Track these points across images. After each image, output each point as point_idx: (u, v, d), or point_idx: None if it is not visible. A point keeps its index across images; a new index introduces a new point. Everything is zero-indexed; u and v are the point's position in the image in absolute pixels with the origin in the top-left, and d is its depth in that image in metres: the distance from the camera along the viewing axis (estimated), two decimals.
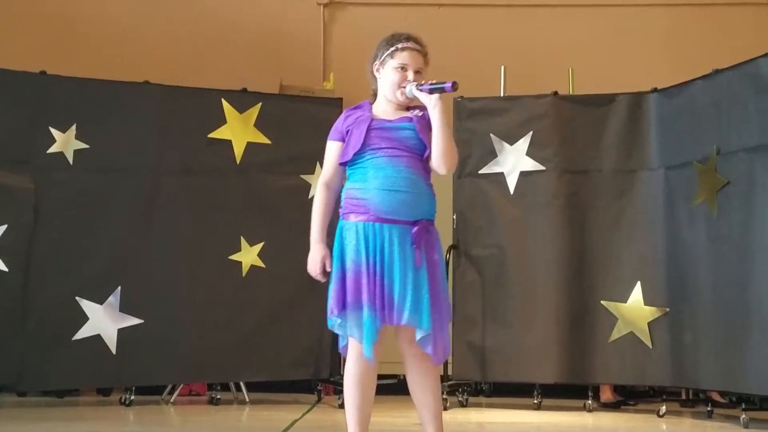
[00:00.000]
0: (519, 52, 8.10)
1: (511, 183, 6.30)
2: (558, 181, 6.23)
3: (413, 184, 4.04)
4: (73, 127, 6.00)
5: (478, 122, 6.41)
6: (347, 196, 4.13)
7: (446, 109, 4.22)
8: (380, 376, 4.23)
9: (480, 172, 6.37)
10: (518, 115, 6.35)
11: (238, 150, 6.35)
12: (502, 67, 6.94)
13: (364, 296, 3.99)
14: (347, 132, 4.19)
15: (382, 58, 4.21)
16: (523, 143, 6.28)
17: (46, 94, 5.99)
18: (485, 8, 8.58)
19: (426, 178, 4.11)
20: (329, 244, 4.17)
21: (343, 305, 4.06)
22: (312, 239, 4.18)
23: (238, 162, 6.36)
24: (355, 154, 4.13)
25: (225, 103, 6.36)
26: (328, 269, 4.12)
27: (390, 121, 4.16)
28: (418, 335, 3.97)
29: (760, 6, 8.43)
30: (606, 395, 6.55)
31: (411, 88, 4.10)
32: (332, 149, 4.26)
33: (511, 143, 6.29)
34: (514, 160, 6.30)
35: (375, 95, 4.27)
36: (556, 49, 8.25)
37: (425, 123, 4.08)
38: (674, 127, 5.96)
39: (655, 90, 6.15)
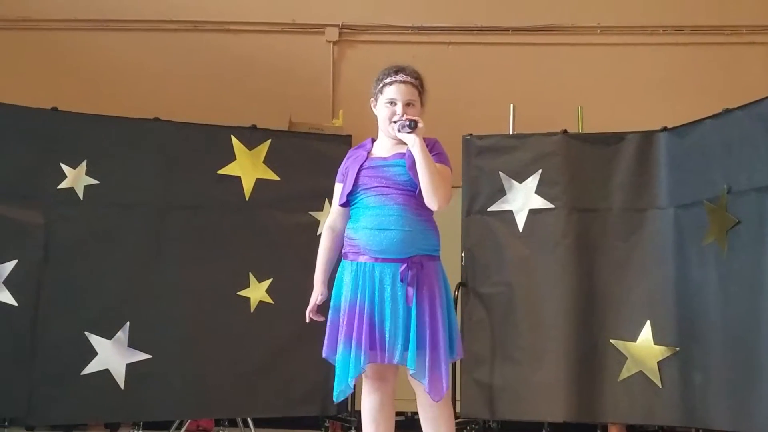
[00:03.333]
0: (528, 90, 8.13)
1: (520, 221, 6.28)
2: (567, 219, 6.21)
3: (403, 221, 4.05)
4: (84, 163, 6.02)
5: (486, 160, 6.41)
6: (345, 236, 4.20)
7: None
8: None
9: (489, 209, 6.36)
10: (527, 153, 6.34)
11: (248, 186, 6.36)
12: (511, 105, 6.96)
13: (343, 334, 4.02)
14: (347, 173, 4.22)
15: (375, 94, 4.25)
16: (532, 181, 6.27)
17: (57, 131, 6.00)
18: (495, 46, 8.62)
19: (421, 214, 4.11)
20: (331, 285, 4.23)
21: (332, 346, 4.11)
22: (314, 280, 4.26)
23: (247, 198, 6.36)
24: (349, 195, 4.16)
25: (234, 139, 6.38)
26: (319, 306, 4.19)
27: (384, 158, 4.19)
28: (410, 372, 3.99)
29: None
30: None
31: (393, 130, 4.13)
32: (336, 191, 4.32)
33: (520, 181, 6.29)
34: (523, 198, 6.28)
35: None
36: (566, 87, 8.28)
37: None
38: (684, 166, 5.94)
39: (665, 129, 6.14)
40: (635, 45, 8.59)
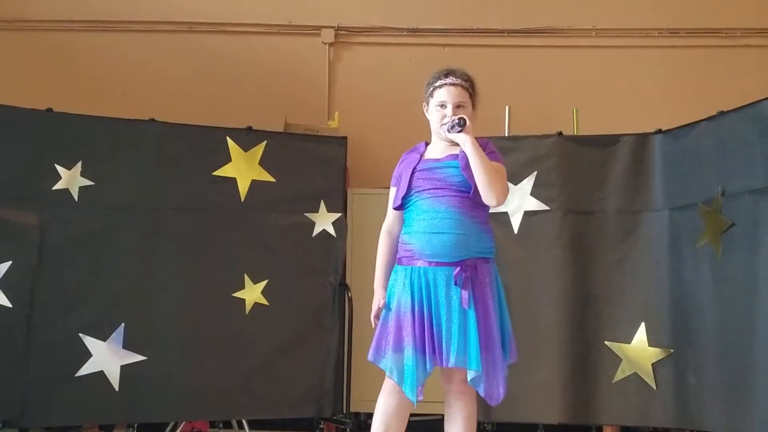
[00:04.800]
0: (524, 92, 8.13)
1: (515, 223, 6.28)
2: (562, 221, 6.22)
3: (456, 224, 4.05)
4: (79, 164, 6.02)
5: None
6: (400, 242, 4.18)
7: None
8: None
9: None
10: (522, 155, 6.34)
11: (243, 188, 6.36)
12: (507, 107, 6.96)
13: (408, 340, 3.99)
14: (400, 176, 4.21)
15: (426, 99, 4.25)
16: (528, 183, 6.27)
17: (52, 132, 6.00)
18: (490, 48, 8.61)
19: (474, 216, 4.09)
20: None
21: (379, 349, 4.09)
22: (375, 285, 4.24)
23: (242, 200, 6.36)
24: (403, 198, 4.15)
25: (230, 141, 6.38)
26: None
27: (437, 160, 4.19)
28: (470, 376, 3.97)
29: (765, 48, 8.46)
30: None
31: (443, 132, 4.14)
32: (391, 195, 4.31)
33: (516, 183, 6.28)
34: (518, 200, 6.28)
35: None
36: (561, 90, 8.28)
37: None
38: (679, 168, 5.95)
39: (659, 131, 6.15)
40: (631, 47, 8.59)
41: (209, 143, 6.37)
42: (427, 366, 3.98)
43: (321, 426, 6.70)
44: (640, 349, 6.00)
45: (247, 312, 6.29)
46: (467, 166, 4.08)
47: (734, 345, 5.38)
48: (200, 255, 6.24)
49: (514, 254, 6.27)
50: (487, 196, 4.06)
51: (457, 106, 4.19)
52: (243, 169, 6.39)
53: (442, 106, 4.20)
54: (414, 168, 4.19)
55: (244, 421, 6.59)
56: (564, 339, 6.12)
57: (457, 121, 4.12)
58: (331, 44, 8.66)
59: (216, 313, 6.22)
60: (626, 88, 8.38)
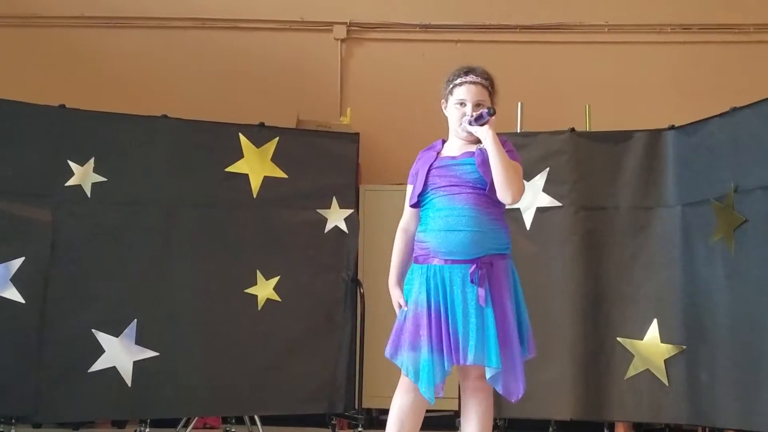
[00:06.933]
0: (536, 88, 8.11)
1: (528, 219, 6.27)
2: (574, 217, 6.21)
3: (472, 221, 4.03)
4: (92, 161, 6.03)
5: None
6: (416, 240, 4.16)
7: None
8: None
9: None
10: (535, 152, 6.32)
11: (255, 184, 6.37)
12: (519, 103, 6.95)
13: (424, 339, 3.98)
14: (417, 174, 4.20)
15: (445, 96, 4.23)
16: (540, 179, 6.26)
17: (65, 128, 6.02)
18: (502, 44, 8.61)
19: (490, 213, 4.08)
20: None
21: (396, 347, 4.08)
22: (389, 284, 4.23)
23: (254, 196, 6.37)
24: (419, 196, 4.14)
25: (242, 137, 6.38)
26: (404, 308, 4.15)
27: (453, 157, 4.17)
28: (488, 374, 3.96)
29: None
30: None
31: (464, 125, 4.11)
32: (408, 192, 4.28)
33: (528, 179, 6.26)
34: (530, 197, 6.26)
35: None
36: (574, 86, 8.27)
37: (487, 156, 4.08)
38: (691, 164, 5.94)
39: (672, 127, 6.13)
40: (643, 43, 8.58)
41: (221, 139, 6.38)
42: (446, 365, 3.97)
43: (333, 422, 6.70)
44: (652, 345, 5.99)
45: (259, 308, 6.30)
46: (483, 163, 4.06)
47: (747, 341, 5.36)
48: (212, 251, 6.25)
49: (526, 250, 6.25)
50: (503, 193, 4.04)
51: (477, 105, 4.16)
52: (255, 165, 6.39)
53: (462, 104, 4.17)
54: (430, 165, 4.17)
55: (256, 417, 6.60)
56: (576, 335, 6.11)
57: (486, 110, 4.09)
58: (343, 40, 8.67)
59: (228, 310, 6.23)
60: (639, 84, 8.37)
